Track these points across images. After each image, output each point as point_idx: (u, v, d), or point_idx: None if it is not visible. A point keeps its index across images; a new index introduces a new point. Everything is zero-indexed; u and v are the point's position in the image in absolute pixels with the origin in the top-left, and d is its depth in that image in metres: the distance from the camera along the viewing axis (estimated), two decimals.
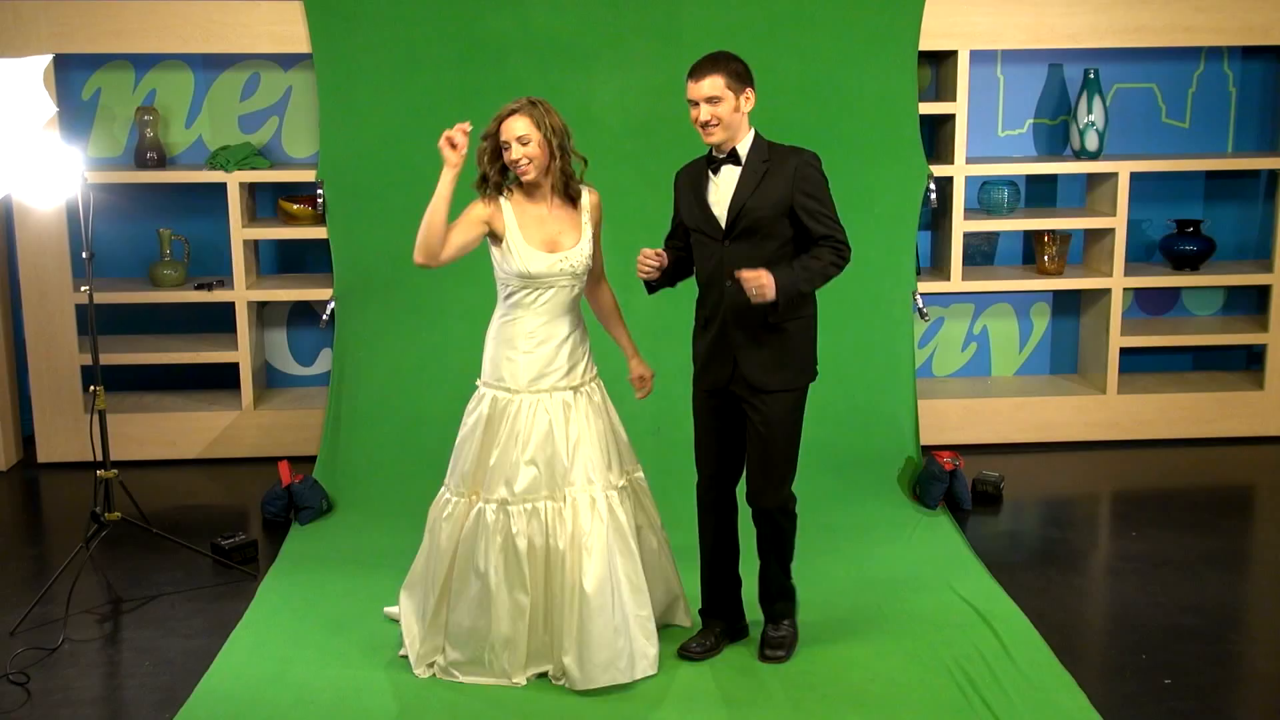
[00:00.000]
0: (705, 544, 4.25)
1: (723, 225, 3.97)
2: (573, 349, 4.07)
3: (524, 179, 3.98)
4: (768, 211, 3.91)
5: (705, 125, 3.90)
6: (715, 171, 3.99)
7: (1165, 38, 6.15)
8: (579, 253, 4.03)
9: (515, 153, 3.93)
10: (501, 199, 4.01)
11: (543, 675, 4.07)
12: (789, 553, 4.22)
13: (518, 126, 3.93)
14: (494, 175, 4.01)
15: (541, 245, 3.99)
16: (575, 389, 4.07)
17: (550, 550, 4.00)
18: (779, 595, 4.24)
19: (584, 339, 4.14)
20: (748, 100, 3.90)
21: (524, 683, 4.03)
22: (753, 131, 3.97)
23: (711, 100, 3.87)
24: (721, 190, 3.98)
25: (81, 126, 6.25)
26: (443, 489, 4.16)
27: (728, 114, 3.88)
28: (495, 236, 4.01)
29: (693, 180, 4.06)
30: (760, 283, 3.79)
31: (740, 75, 3.89)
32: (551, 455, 4.00)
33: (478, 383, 4.14)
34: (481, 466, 4.04)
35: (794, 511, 4.15)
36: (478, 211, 4.00)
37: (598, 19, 5.87)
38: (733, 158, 3.96)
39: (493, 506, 4.00)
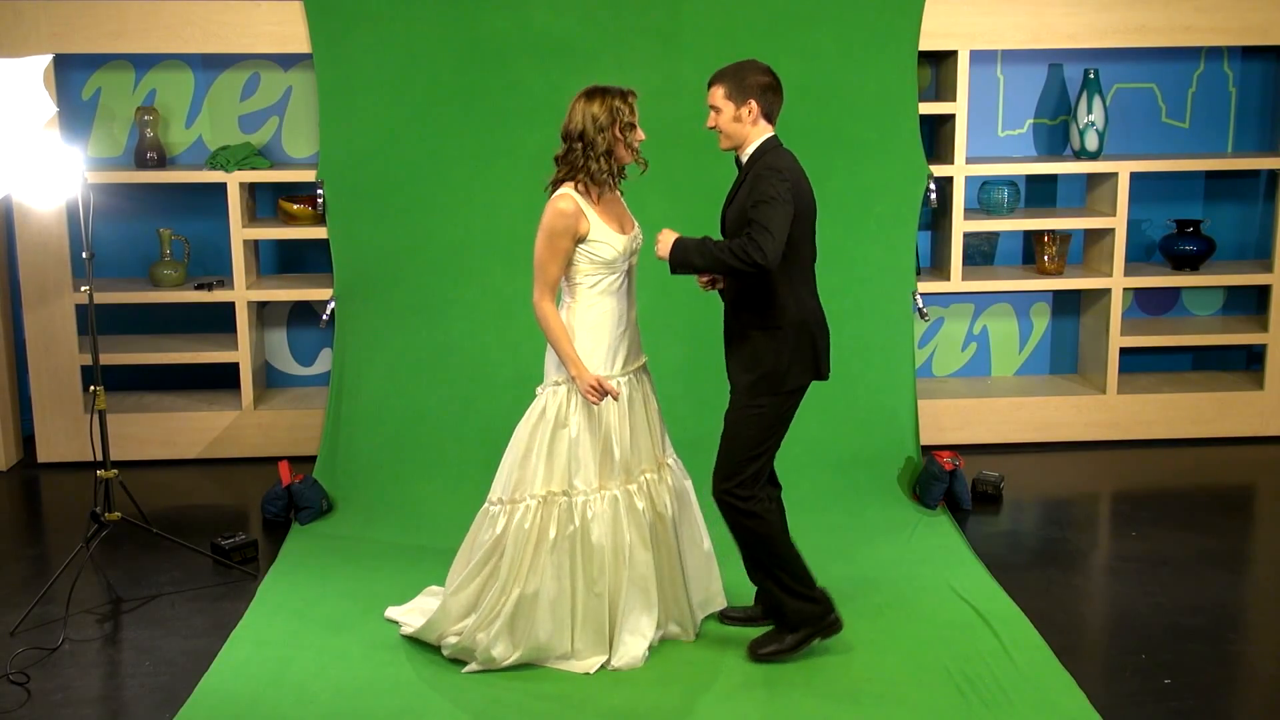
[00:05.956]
0: None
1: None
2: (638, 327, 4.26)
3: (631, 161, 4.10)
4: (733, 217, 4.02)
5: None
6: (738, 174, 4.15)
7: (1165, 38, 6.16)
8: (639, 231, 4.21)
9: (640, 134, 4.07)
10: (579, 199, 4.03)
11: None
12: (758, 557, 4.15)
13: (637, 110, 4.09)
14: (609, 165, 4.03)
15: (618, 229, 4.11)
16: (644, 365, 4.29)
17: (661, 518, 4.21)
18: (771, 604, 4.21)
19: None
20: (750, 112, 3.97)
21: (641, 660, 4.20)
22: (759, 141, 4.01)
23: (714, 108, 4.02)
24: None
25: (81, 126, 6.25)
26: (538, 500, 4.10)
27: (726, 123, 4.01)
28: (579, 239, 4.06)
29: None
30: (658, 239, 4.02)
31: (744, 87, 3.97)
32: (646, 431, 4.23)
33: (568, 379, 4.10)
34: (606, 457, 4.12)
35: (745, 510, 4.07)
36: (564, 241, 4.02)
37: (598, 19, 5.87)
38: (739, 164, 4.09)
39: (624, 491, 4.13)
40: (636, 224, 4.21)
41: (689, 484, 4.38)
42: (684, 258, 3.95)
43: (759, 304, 4.01)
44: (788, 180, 3.91)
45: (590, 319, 4.10)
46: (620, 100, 4.00)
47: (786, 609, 4.17)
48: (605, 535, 4.11)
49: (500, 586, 4.11)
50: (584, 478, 4.10)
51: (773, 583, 4.16)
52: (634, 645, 4.16)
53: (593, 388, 4.03)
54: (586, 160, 4.01)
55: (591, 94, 4.02)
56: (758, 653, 4.19)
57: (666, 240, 3.99)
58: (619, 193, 4.22)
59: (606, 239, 4.05)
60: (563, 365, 4.09)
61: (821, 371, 4.12)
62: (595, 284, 4.09)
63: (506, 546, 4.12)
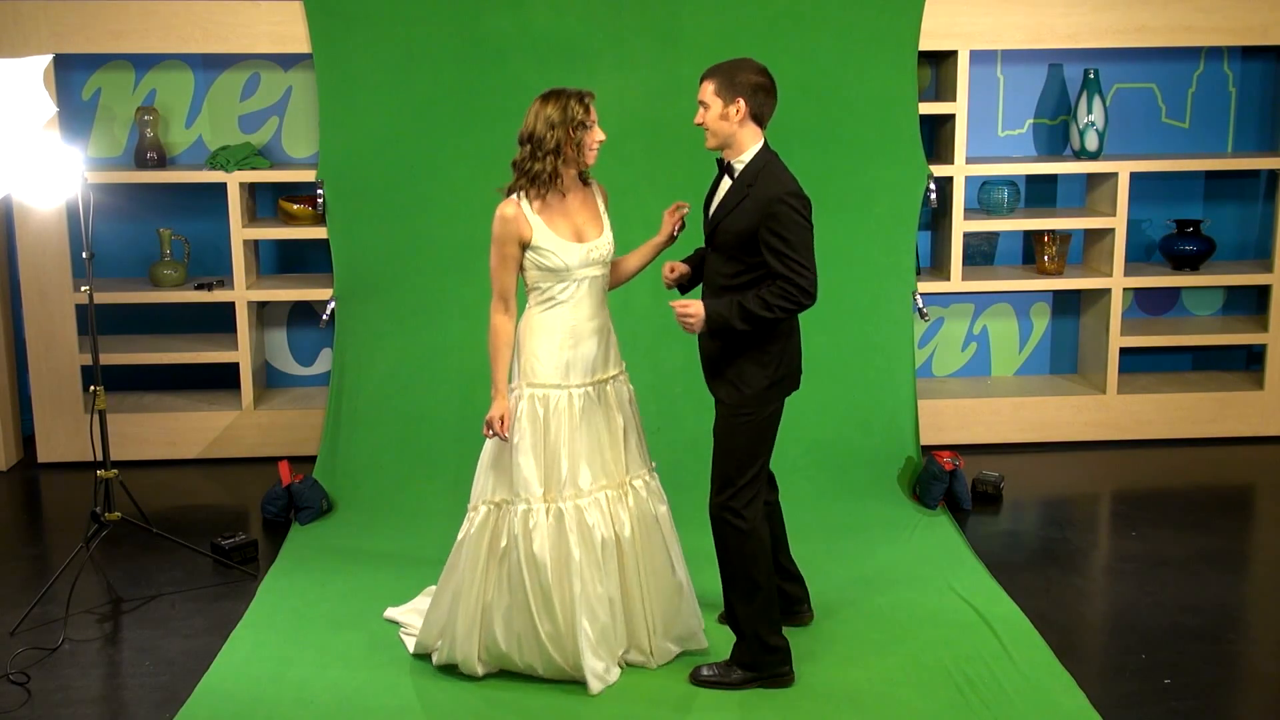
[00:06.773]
0: None
1: (706, 233, 4.05)
2: (608, 338, 4.13)
3: (590, 164, 4.02)
4: (732, 238, 3.89)
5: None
6: (719, 178, 4.01)
7: (1165, 38, 6.16)
8: (605, 242, 4.07)
9: (599, 134, 3.98)
10: (523, 204, 3.97)
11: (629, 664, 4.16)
12: (734, 580, 3.99)
13: (595, 112, 3.98)
14: (553, 166, 3.94)
15: (571, 237, 4.00)
16: (614, 379, 4.14)
17: (619, 539, 4.06)
18: (735, 629, 4.06)
19: (612, 329, 4.17)
20: (738, 111, 3.84)
21: (615, 678, 4.06)
22: (755, 149, 3.89)
23: (702, 104, 3.90)
24: (717, 199, 4.00)
25: (81, 126, 6.25)
26: (490, 506, 4.05)
27: (713, 120, 3.87)
28: (524, 245, 3.99)
29: (714, 180, 4.07)
30: (686, 312, 3.85)
31: (735, 85, 3.83)
32: (607, 446, 4.08)
33: (519, 385, 4.06)
34: (552, 467, 4.00)
35: (736, 526, 3.93)
36: (510, 248, 3.97)
37: (598, 19, 5.87)
38: (730, 171, 3.95)
39: (569, 505, 3.99)
40: (608, 232, 4.07)
41: (664, 509, 4.18)
42: (724, 325, 3.83)
43: None
44: (807, 202, 3.82)
45: (538, 327, 4.03)
46: (575, 100, 3.92)
47: (741, 635, 4.03)
48: (546, 548, 3.96)
49: (455, 596, 4.07)
50: (529, 487, 3.98)
51: (738, 605, 4.01)
52: (602, 664, 4.03)
53: (489, 420, 3.99)
54: (532, 161, 3.93)
55: (547, 96, 3.95)
56: (699, 676, 4.05)
57: (696, 314, 3.84)
58: (598, 198, 4.11)
59: (553, 247, 3.95)
60: (519, 372, 4.05)
61: (799, 371, 4.08)
62: (545, 291, 4.02)
63: (463, 555, 4.08)
